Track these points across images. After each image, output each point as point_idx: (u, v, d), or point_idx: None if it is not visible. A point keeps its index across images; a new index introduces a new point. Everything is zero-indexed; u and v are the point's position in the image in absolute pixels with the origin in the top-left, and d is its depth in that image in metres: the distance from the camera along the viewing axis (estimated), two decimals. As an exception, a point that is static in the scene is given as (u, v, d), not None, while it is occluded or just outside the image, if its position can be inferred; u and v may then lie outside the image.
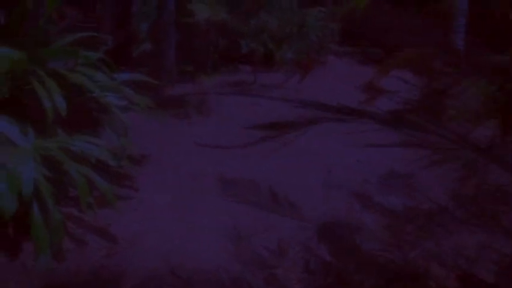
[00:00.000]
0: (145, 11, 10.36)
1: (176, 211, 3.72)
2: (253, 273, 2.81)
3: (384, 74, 3.70)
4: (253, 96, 7.44)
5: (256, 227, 3.42)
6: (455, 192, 3.69)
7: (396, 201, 3.81)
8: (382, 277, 2.78)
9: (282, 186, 4.19)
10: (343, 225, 3.47)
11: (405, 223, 3.47)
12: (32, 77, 3.09)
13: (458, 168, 3.36)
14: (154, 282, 2.72)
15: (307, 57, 11.12)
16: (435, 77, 3.44)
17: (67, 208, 3.34)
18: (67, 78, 3.24)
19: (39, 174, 2.72)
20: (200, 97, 6.89)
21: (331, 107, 3.75)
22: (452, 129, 2.97)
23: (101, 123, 3.52)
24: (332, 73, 10.11)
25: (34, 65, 3.19)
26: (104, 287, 2.71)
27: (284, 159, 4.85)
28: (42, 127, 3.13)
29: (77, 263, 2.92)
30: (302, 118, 3.71)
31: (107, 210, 3.21)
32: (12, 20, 3.35)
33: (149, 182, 4.18)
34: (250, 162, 4.78)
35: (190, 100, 6.75)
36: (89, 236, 3.25)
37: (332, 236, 3.34)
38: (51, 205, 2.71)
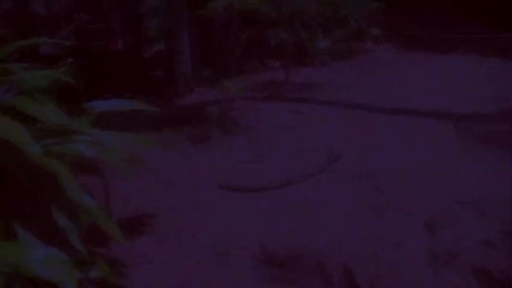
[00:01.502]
0: (155, 5, 8.74)
1: None
2: None
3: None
4: (290, 101, 5.71)
5: None
6: None
7: None
8: None
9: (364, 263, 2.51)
10: None
11: None
12: None
13: None
14: None
15: (347, 47, 9.28)
16: None
17: None
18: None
19: None
20: (224, 107, 5.21)
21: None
22: None
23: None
24: (379, 64, 8.24)
25: None
26: None
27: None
28: None
29: None
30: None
31: None
32: None
33: (150, 274, 2.55)
34: (308, 214, 3.11)
35: (211, 112, 5.09)
36: None
37: None
38: None
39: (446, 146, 4.15)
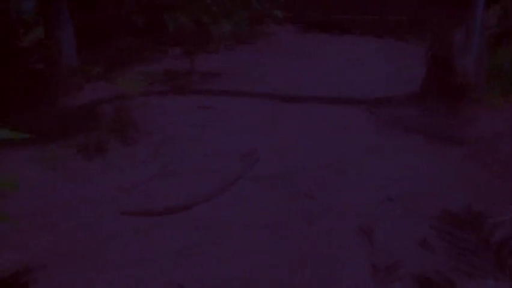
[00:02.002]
0: (27, -17, 7.33)
1: None
2: None
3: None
4: (197, 93, 5.11)
5: None
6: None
7: None
8: None
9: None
10: None
11: None
12: None
13: None
14: None
15: (252, 30, 8.85)
16: None
17: None
18: None
19: None
20: (120, 107, 4.42)
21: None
22: None
23: None
24: (284, 47, 7.97)
25: None
26: None
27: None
28: None
29: None
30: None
31: None
32: None
33: None
34: (225, 242, 2.60)
35: (106, 114, 4.28)
36: None
37: None
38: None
39: (365, 135, 3.96)
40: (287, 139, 3.84)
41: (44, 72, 6.25)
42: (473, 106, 4.24)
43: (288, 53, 7.45)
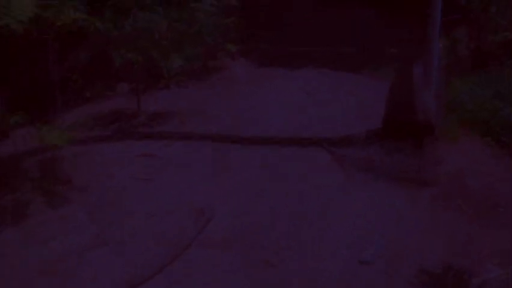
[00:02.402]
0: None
1: None
2: None
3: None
4: (143, 138, 4.59)
5: None
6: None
7: None
8: None
9: None
10: None
11: None
12: None
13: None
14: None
15: (204, 65, 8.48)
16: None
17: None
18: None
19: None
20: (47, 159, 3.81)
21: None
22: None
23: None
24: (239, 83, 7.63)
25: None
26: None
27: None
28: None
29: None
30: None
31: None
32: None
33: None
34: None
35: (28, 169, 3.65)
36: None
37: None
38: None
39: (328, 182, 3.59)
40: (242, 191, 3.40)
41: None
42: (435, 143, 4.03)
43: (242, 89, 7.11)
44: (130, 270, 2.48)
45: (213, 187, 3.47)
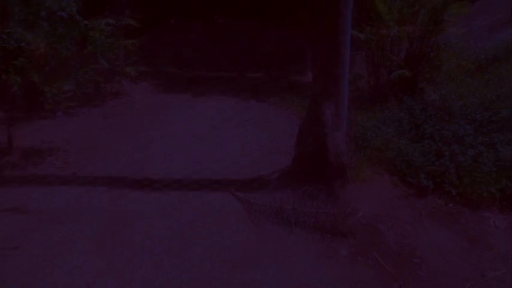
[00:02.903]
0: None
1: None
2: None
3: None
4: (10, 185, 3.66)
5: None
6: None
7: None
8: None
9: None
10: None
11: None
12: None
13: None
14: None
15: (97, 90, 7.56)
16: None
17: None
18: None
19: None
20: None
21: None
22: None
23: None
24: (137, 111, 6.87)
25: None
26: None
27: None
28: None
29: None
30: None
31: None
32: None
33: None
34: None
35: None
36: None
37: None
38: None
39: (236, 238, 3.12)
40: (133, 263, 2.73)
41: None
42: (348, 185, 3.83)
43: (142, 118, 6.42)
44: None
45: (97, 258, 2.75)
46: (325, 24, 3.49)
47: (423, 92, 5.89)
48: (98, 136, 5.31)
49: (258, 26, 11.82)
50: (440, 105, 5.23)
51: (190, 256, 2.84)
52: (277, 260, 2.84)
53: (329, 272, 2.78)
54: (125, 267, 2.66)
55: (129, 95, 7.85)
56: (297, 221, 3.27)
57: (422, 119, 4.90)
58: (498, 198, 3.63)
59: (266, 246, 2.97)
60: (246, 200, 3.56)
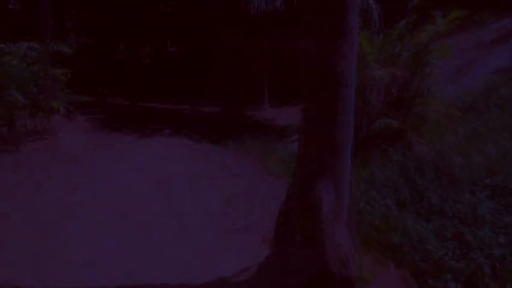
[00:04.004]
0: None
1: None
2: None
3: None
4: None
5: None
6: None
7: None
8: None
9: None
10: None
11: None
12: None
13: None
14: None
15: (11, 131, 5.86)
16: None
17: None
18: None
19: None
20: None
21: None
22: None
23: None
24: (61, 161, 5.24)
25: None
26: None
27: None
28: None
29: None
30: None
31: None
32: None
33: None
34: None
35: None
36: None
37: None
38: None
39: None
40: None
41: None
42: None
43: (68, 170, 4.84)
44: None
45: None
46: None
47: (411, 144, 4.91)
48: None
49: (212, 55, 10.59)
50: (439, 164, 4.24)
51: None
52: None
53: None
54: None
55: (56, 134, 6.23)
56: None
57: (424, 185, 3.84)
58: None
59: None
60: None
